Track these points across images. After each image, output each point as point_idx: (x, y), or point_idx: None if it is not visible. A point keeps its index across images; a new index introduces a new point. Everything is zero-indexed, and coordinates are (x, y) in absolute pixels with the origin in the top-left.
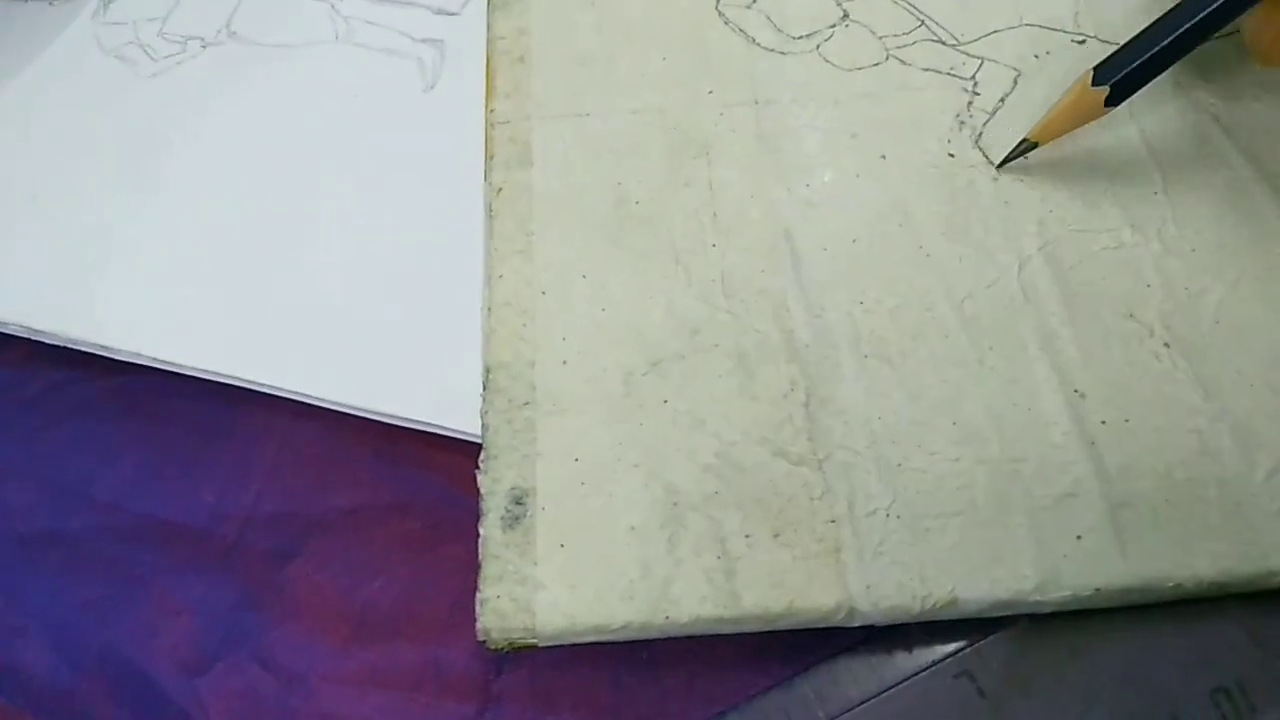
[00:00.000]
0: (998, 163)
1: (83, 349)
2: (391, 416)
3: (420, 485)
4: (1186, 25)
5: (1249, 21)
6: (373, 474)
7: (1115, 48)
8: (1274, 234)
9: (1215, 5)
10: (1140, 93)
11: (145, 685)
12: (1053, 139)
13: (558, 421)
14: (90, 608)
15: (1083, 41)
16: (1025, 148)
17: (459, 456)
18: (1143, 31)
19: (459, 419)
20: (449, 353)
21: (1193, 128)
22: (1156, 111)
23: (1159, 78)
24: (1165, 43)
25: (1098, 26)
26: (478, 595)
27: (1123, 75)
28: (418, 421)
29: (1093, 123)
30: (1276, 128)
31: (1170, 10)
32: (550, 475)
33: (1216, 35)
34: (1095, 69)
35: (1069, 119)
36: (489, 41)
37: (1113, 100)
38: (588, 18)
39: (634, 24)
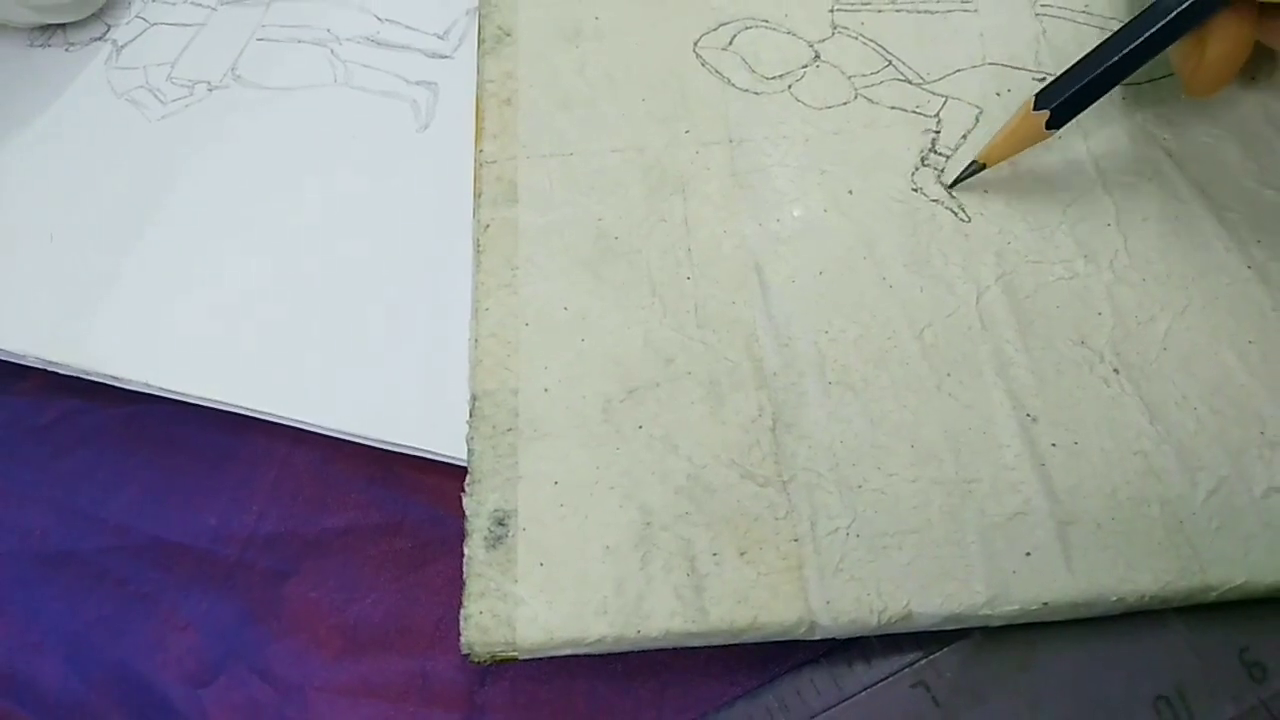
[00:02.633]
0: (949, 183)
1: (95, 379)
2: (383, 442)
3: (409, 507)
4: (1118, 55)
5: (1174, 52)
6: (365, 496)
7: None
8: (1219, 265)
9: (1142, 37)
10: (1097, 127)
11: (152, 697)
12: (999, 161)
13: (539, 446)
14: (101, 624)
15: (1043, 79)
16: (974, 169)
17: (447, 479)
18: (1081, 59)
19: (447, 444)
20: (438, 381)
21: (1145, 161)
22: (1111, 145)
23: (1115, 110)
24: (1099, 70)
25: (1058, 63)
26: (462, 611)
27: (1062, 100)
28: (408, 446)
29: (1042, 147)
30: (1225, 161)
31: (1105, 40)
32: (531, 498)
33: (1162, 75)
34: (1036, 95)
35: (1013, 143)
36: (479, 85)
37: (1053, 124)
38: (571, 62)
39: (615, 67)
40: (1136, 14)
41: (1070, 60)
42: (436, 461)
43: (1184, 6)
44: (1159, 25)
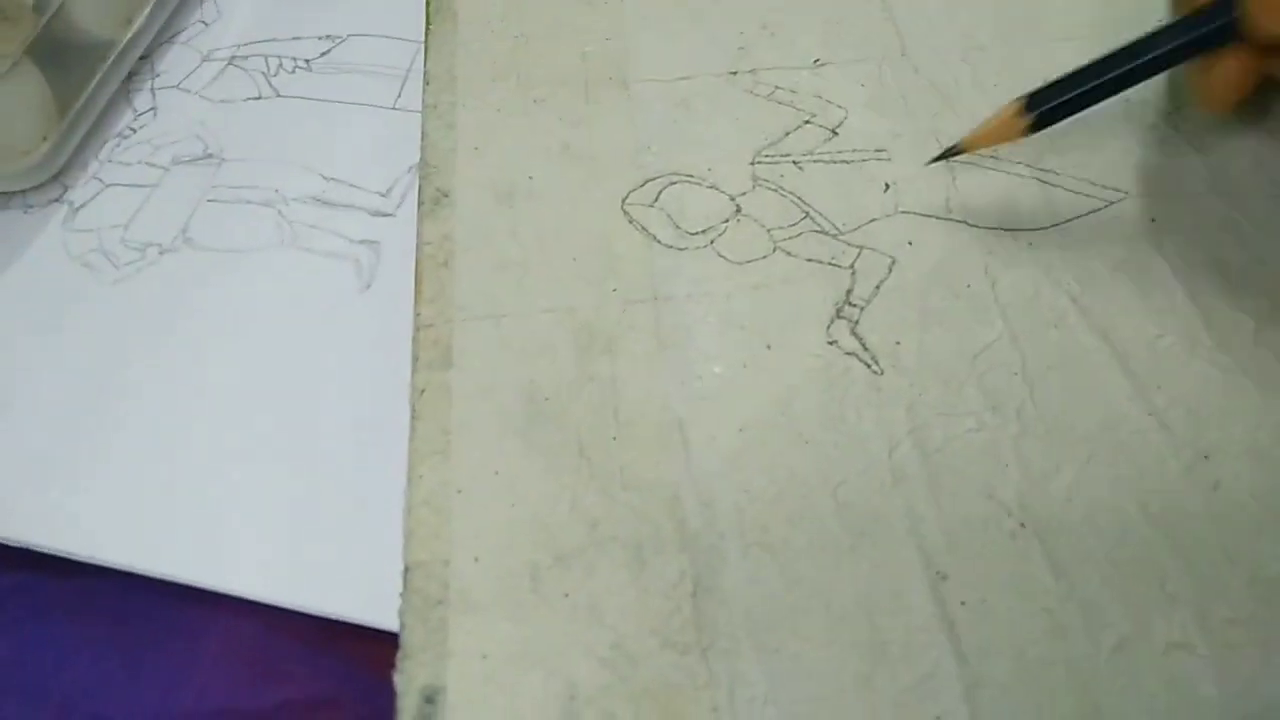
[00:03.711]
0: (928, 161)
1: (43, 551)
2: (324, 612)
3: (350, 679)
4: (1114, 73)
5: (1187, 65)
6: (306, 668)
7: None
8: (1121, 414)
9: (1140, 61)
10: (1004, 272)
11: None
12: (976, 149)
13: (469, 619)
14: None
15: (957, 223)
16: (954, 151)
17: (386, 650)
18: (1077, 69)
19: (385, 616)
20: (379, 550)
21: (1051, 308)
22: (1017, 293)
23: (1023, 255)
24: (1092, 85)
25: (965, 211)
26: None
27: (1050, 107)
28: (348, 617)
29: (951, 294)
30: (1129, 308)
31: (1106, 54)
32: (460, 674)
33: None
34: (1030, 95)
35: (994, 137)
36: (418, 247)
37: (1037, 127)
38: (506, 223)
39: (547, 228)
40: (1142, 34)
41: (978, 208)
42: (376, 631)
43: (1182, 41)
44: (1156, 53)
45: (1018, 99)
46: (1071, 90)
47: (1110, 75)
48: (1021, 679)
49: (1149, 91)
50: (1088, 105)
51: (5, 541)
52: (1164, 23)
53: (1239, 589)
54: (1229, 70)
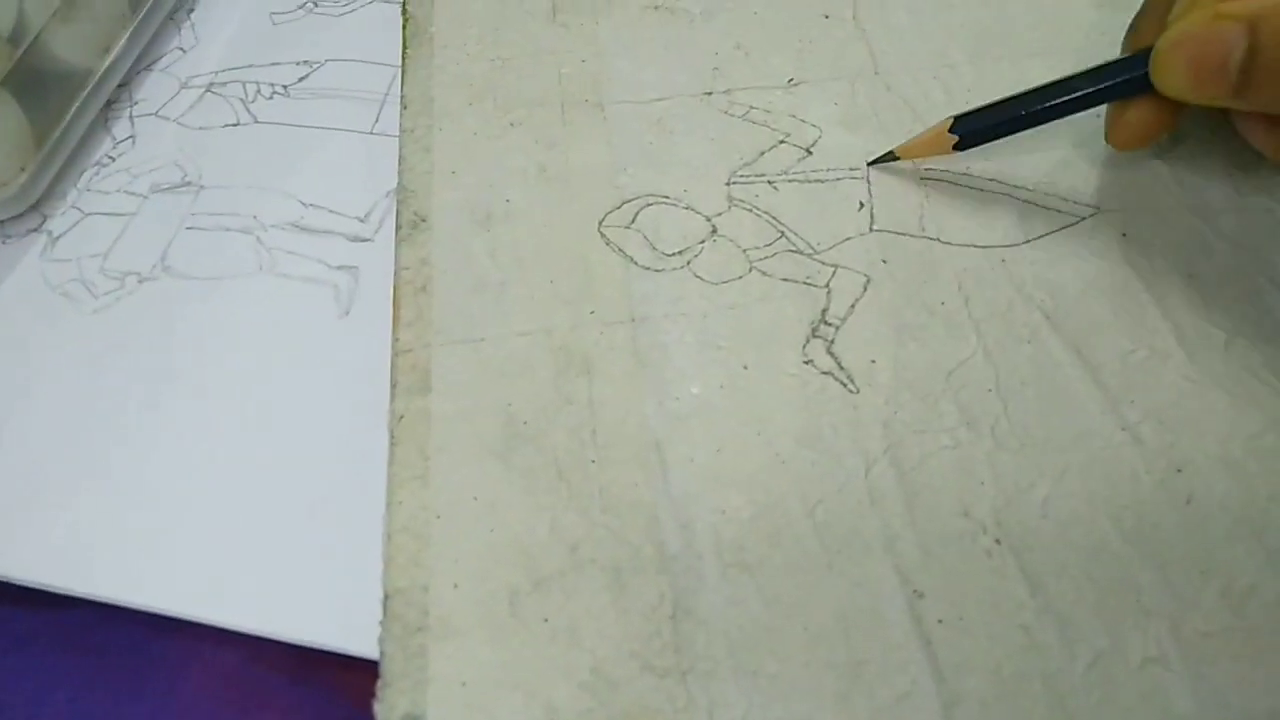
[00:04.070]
0: (869, 161)
1: (22, 584)
2: (305, 641)
3: (331, 708)
4: (1035, 108)
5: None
6: (288, 698)
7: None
8: (1094, 428)
9: (1059, 100)
10: (977, 292)
11: None
12: (909, 159)
13: (449, 646)
14: None
15: (931, 241)
16: (890, 157)
17: (367, 678)
18: (1007, 98)
19: (365, 644)
20: (359, 578)
21: (1024, 324)
22: (991, 309)
23: (996, 272)
24: (1011, 117)
25: (939, 229)
26: None
27: (971, 131)
28: (329, 646)
29: (926, 312)
30: (1101, 323)
31: (1035, 88)
32: (440, 700)
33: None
34: (956, 117)
35: (924, 150)
36: (396, 272)
37: (960, 147)
38: (483, 246)
39: (525, 250)
40: (1070, 74)
41: (951, 226)
42: (357, 659)
43: (1098, 87)
44: (1073, 95)
45: (948, 118)
46: (993, 119)
47: (1030, 110)
48: (999, 695)
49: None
50: (1007, 133)
51: None
52: (1086, 67)
53: (1213, 601)
54: (1139, 116)
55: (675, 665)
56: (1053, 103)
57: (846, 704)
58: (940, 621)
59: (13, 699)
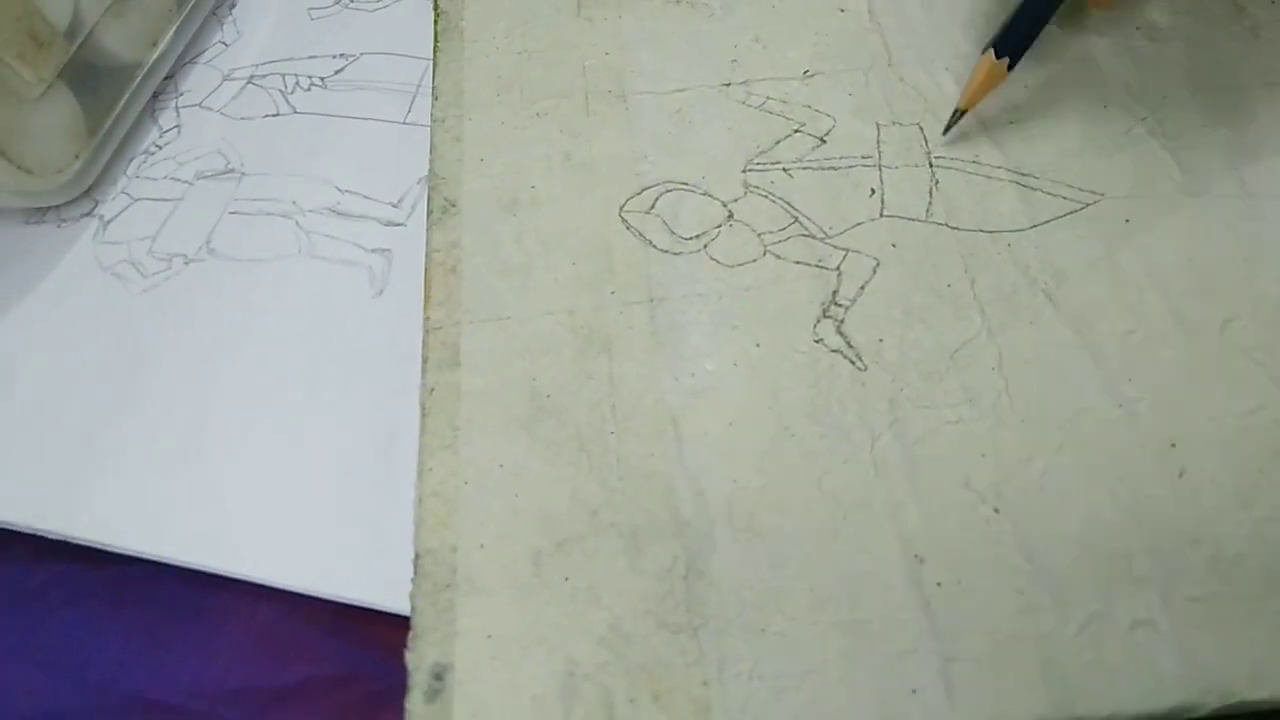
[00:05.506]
0: (943, 130)
1: (80, 543)
2: (339, 597)
3: (363, 659)
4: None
5: None
6: (323, 648)
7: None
8: (1092, 405)
9: None
10: (983, 275)
11: None
12: (973, 105)
13: (475, 602)
14: None
15: (938, 226)
16: (957, 116)
17: (398, 631)
18: (1014, 10)
19: (397, 600)
20: (391, 539)
21: (1027, 306)
22: (996, 291)
23: (1001, 256)
24: (1033, 10)
25: (947, 214)
26: None
27: (1012, 46)
28: (362, 601)
29: (934, 294)
30: (1102, 304)
31: None
32: (466, 652)
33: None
34: (994, 45)
35: (984, 88)
36: (427, 254)
37: (1012, 64)
38: (510, 230)
39: (549, 234)
40: None
41: (959, 208)
42: (388, 614)
43: None
44: None
45: (984, 52)
46: (1020, 21)
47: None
48: (994, 654)
49: (1127, 96)
50: (1039, 28)
51: (44, 534)
52: None
53: (1201, 568)
54: None
55: (688, 622)
56: None
57: (849, 659)
58: (939, 585)
59: (68, 648)
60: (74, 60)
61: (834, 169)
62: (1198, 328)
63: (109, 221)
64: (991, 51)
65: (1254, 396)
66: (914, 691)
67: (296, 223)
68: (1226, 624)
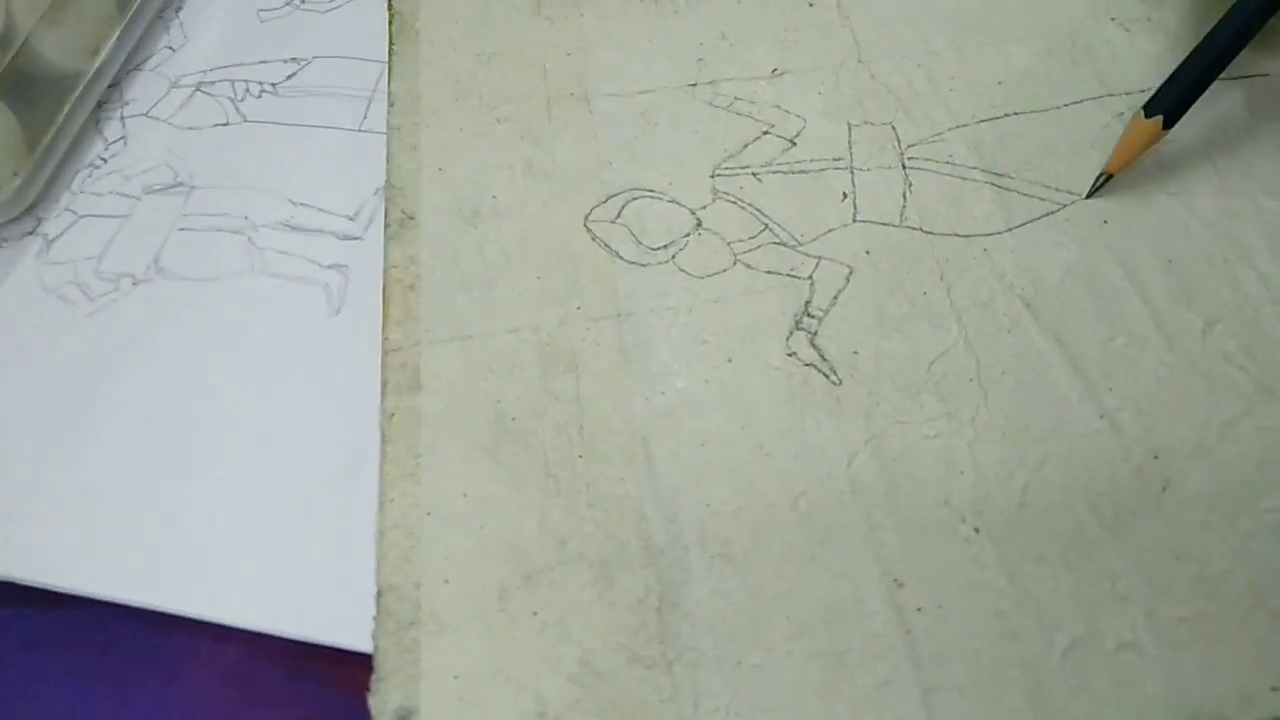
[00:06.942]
0: (1085, 194)
1: (25, 584)
2: (303, 636)
3: (326, 701)
4: (1214, 54)
5: None
6: (285, 692)
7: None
8: (1073, 416)
9: (1230, 34)
10: (959, 281)
11: None
12: (1121, 168)
13: (440, 640)
14: None
15: (912, 230)
16: (1103, 180)
17: (364, 672)
18: (1178, 67)
19: (362, 639)
20: (353, 575)
21: (1004, 313)
22: (972, 298)
23: (977, 261)
24: (1199, 71)
25: (921, 218)
26: None
27: (1172, 105)
28: (326, 640)
29: (909, 304)
30: (1081, 310)
31: (1196, 46)
32: (432, 694)
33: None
34: (1145, 106)
35: (1134, 150)
36: (385, 271)
37: (1169, 124)
38: (470, 243)
39: (511, 246)
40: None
41: (933, 214)
42: (354, 653)
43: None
44: (1240, 24)
45: (1137, 113)
46: (1183, 85)
47: (1210, 59)
48: (977, 682)
49: (1102, 91)
50: (1200, 93)
51: None
52: None
53: (1187, 587)
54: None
55: (661, 656)
56: (1229, 38)
57: (828, 692)
58: (920, 610)
59: (20, 697)
60: (9, 71)
61: (805, 172)
62: (1179, 332)
63: (53, 240)
64: (1141, 113)
65: (1236, 404)
66: None
67: (249, 239)
68: (1213, 645)
